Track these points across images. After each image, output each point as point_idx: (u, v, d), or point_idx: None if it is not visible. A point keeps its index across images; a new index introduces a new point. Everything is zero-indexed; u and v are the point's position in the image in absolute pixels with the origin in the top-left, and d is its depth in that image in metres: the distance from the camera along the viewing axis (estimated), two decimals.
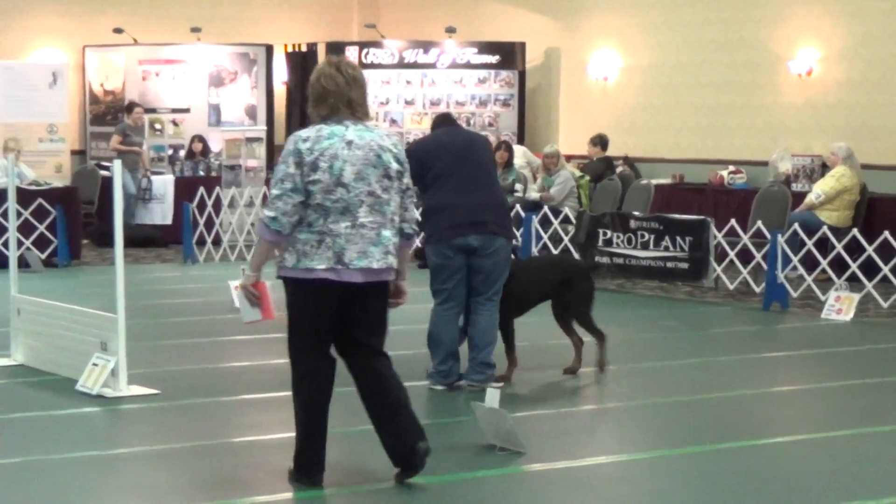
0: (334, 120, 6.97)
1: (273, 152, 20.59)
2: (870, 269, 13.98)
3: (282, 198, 6.83)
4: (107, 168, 18.92)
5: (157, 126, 22.01)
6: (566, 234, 16.33)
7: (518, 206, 16.85)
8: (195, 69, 22.30)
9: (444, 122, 10.20)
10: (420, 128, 21.77)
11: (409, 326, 10.50)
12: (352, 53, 21.71)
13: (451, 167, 9.66)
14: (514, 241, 10.08)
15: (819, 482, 7.42)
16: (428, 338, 9.77)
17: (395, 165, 7.01)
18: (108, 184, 18.15)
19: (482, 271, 9.63)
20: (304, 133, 6.96)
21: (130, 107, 20.59)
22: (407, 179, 7.11)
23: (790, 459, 7.88)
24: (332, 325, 6.99)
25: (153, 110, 21.69)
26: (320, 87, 7.00)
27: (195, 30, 22.29)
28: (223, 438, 8.24)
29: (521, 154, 19.54)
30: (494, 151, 17.94)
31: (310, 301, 6.93)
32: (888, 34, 17.14)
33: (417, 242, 7.97)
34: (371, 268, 6.89)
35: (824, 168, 16.70)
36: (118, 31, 22.07)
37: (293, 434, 7.12)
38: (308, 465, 7.06)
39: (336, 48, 21.69)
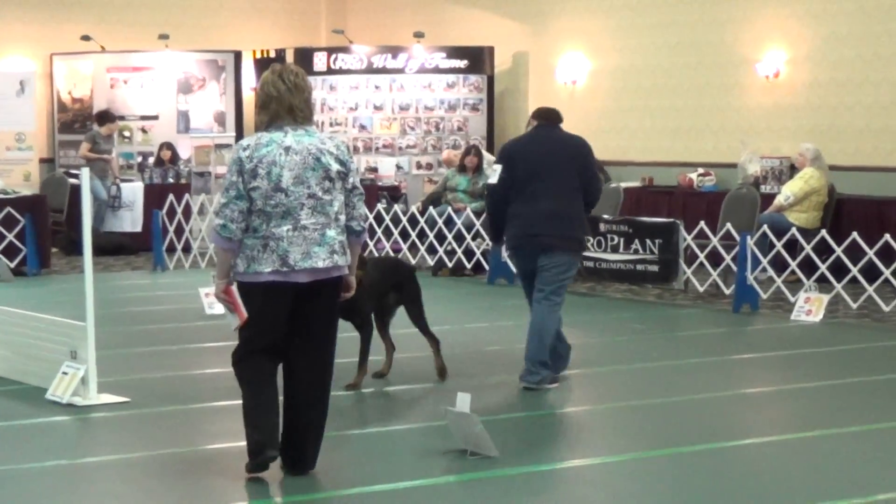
0: (275, 126, 7.14)
1: None
2: (839, 270, 14.02)
3: (229, 205, 7.07)
4: (75, 176, 18.84)
5: (126, 133, 21.93)
6: None
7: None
8: (163, 76, 22.23)
9: (537, 117, 10.11)
10: (389, 133, 21.76)
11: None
12: (320, 59, 21.68)
13: (526, 174, 9.73)
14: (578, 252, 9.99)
15: (790, 483, 7.44)
16: None
17: (335, 167, 7.14)
18: (76, 192, 18.08)
19: (543, 270, 9.71)
20: (245, 142, 7.18)
21: (105, 116, 20.45)
22: (353, 179, 7.24)
23: (761, 461, 7.89)
24: (285, 329, 7.13)
25: (122, 118, 21.57)
26: (263, 95, 7.21)
27: (163, 37, 22.20)
28: (194, 446, 8.21)
29: (492, 160, 19.51)
30: (463, 157, 17.96)
31: (261, 304, 7.10)
32: (854, 35, 17.22)
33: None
34: (316, 267, 7.05)
35: (793, 170, 16.76)
36: (86, 38, 21.97)
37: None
38: (260, 445, 7.09)
39: (304, 54, 21.68)
